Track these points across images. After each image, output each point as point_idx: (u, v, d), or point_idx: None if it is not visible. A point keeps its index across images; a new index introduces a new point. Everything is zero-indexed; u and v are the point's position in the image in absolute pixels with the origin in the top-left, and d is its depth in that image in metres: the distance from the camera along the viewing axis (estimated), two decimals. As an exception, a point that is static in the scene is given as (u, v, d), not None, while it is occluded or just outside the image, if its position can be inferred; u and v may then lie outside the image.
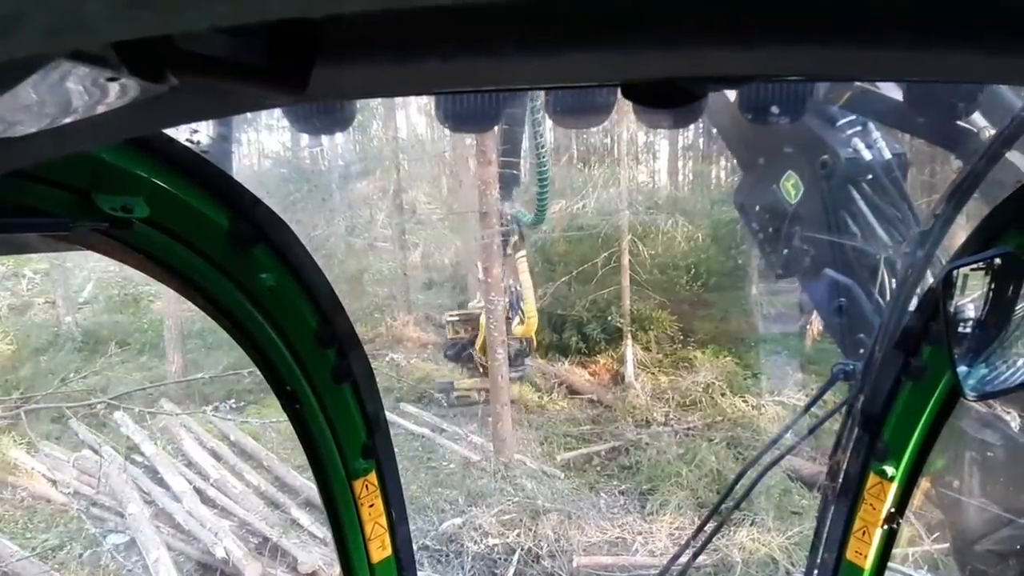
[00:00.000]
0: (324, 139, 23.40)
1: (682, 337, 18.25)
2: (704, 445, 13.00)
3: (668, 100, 1.09)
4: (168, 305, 16.35)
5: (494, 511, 11.22)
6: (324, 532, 11.12)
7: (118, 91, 0.70)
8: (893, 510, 2.25)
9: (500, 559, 10.46)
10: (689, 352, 17.54)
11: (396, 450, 2.28)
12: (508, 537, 10.73)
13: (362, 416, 2.11)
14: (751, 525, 10.59)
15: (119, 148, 1.44)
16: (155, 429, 14.12)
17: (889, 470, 2.21)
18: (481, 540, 10.65)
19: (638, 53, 0.83)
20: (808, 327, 17.82)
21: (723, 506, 3.59)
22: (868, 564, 2.32)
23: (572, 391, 17.07)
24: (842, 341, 4.07)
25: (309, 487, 12.41)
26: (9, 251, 1.68)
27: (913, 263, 2.66)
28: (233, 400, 15.89)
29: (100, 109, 0.74)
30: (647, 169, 26.08)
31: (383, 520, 2.28)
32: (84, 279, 20.22)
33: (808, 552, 2.70)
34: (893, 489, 2.23)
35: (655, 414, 15.20)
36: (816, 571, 2.56)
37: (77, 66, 0.63)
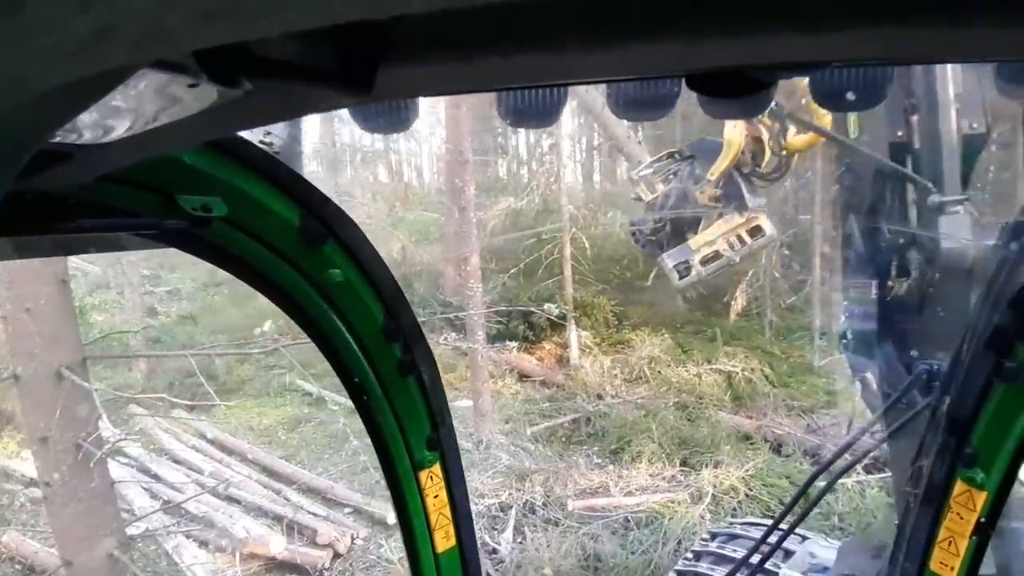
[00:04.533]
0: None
1: (616, 322, 19.92)
2: (660, 407, 14.63)
3: (735, 89, 1.07)
4: (135, 315, 16.39)
5: (484, 477, 12.33)
6: (326, 510, 11.88)
7: (198, 97, 0.74)
8: (983, 520, 2.10)
9: (499, 515, 11.62)
10: (625, 335, 19.21)
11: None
12: (502, 497, 11.89)
13: (427, 409, 2.15)
14: (715, 467, 12.38)
15: (198, 151, 1.49)
16: (133, 432, 14.27)
17: (978, 477, 2.06)
18: (478, 501, 11.71)
19: (705, 42, 0.81)
20: (732, 304, 19.88)
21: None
22: None
23: (523, 375, 18.22)
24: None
25: (301, 474, 13.08)
26: (102, 249, 1.91)
27: (1007, 255, 2.43)
28: (205, 399, 16.11)
29: (182, 114, 0.77)
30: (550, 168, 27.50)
31: (447, 511, 2.31)
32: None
33: (889, 562, 2.58)
34: (983, 498, 2.08)
35: (606, 388, 16.67)
36: None
37: (161, 74, 0.67)
